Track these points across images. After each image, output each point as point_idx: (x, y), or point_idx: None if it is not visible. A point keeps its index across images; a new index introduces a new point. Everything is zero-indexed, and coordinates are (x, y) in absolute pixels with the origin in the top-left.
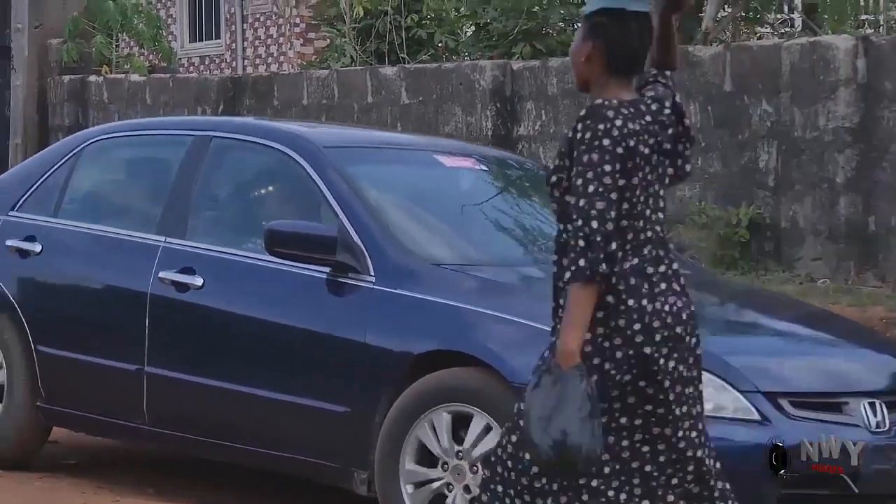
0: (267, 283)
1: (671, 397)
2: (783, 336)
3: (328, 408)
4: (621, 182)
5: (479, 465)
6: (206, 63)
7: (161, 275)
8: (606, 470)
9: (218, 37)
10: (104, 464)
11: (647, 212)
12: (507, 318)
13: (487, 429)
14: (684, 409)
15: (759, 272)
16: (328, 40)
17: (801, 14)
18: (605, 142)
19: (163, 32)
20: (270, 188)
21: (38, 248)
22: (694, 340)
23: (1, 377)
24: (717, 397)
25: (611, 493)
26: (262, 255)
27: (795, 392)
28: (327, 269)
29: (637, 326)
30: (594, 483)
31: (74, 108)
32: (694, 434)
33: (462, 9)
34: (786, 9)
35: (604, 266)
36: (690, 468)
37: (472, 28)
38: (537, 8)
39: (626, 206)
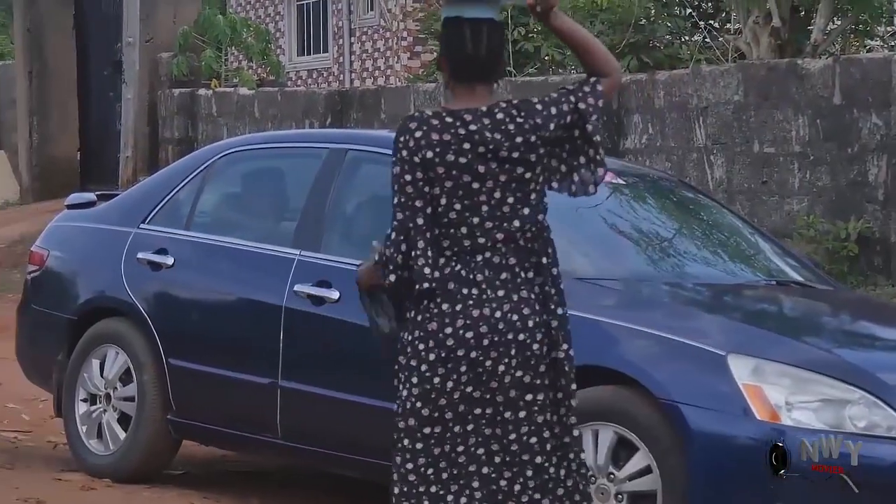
0: None
1: (499, 399)
2: None
3: None
4: (427, 189)
5: (626, 485)
6: (314, 76)
7: (296, 288)
8: (444, 476)
9: (325, 50)
10: (212, 474)
11: (475, 219)
12: (650, 333)
13: (633, 447)
14: (521, 414)
15: (869, 287)
16: (435, 53)
17: None
18: (404, 153)
19: (271, 46)
20: None
21: (169, 260)
22: (544, 348)
23: (131, 390)
24: (870, 415)
25: (450, 498)
26: None
27: None
28: None
29: (448, 330)
30: (433, 489)
31: (184, 122)
32: (534, 440)
33: None
34: None
35: (391, 277)
36: (529, 474)
37: None
38: (644, 21)
39: (437, 214)
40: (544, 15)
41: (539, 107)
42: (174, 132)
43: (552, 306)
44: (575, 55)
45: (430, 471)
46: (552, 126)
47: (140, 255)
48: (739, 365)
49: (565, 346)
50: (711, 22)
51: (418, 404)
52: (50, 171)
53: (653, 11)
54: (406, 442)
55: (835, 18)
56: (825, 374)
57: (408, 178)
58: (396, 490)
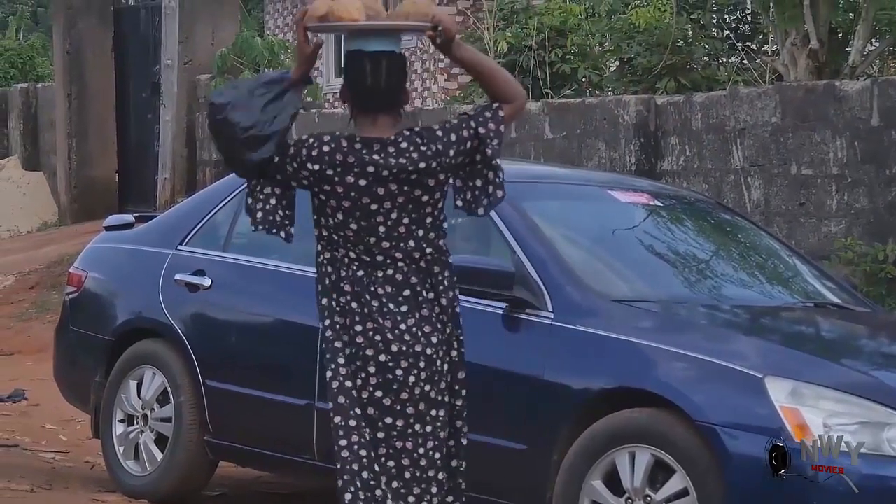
0: None
1: (409, 411)
2: None
3: (505, 445)
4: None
5: None
6: None
7: None
8: (359, 482)
9: None
10: (248, 495)
11: (372, 239)
12: (687, 355)
13: (670, 469)
14: (428, 428)
15: None
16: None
17: None
18: (303, 152)
19: None
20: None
21: (207, 282)
22: (445, 367)
23: (168, 411)
24: None
25: (378, 493)
26: None
27: None
28: (503, 305)
29: (358, 328)
30: (365, 475)
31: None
32: (437, 456)
33: (606, 44)
34: None
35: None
36: (434, 491)
37: (616, 63)
38: (682, 43)
39: (325, 233)
40: (445, 46)
41: (440, 133)
42: (212, 154)
43: (451, 327)
44: (479, 83)
45: (362, 451)
46: (452, 152)
47: (178, 277)
48: (777, 387)
49: (463, 374)
50: (749, 44)
51: (347, 384)
52: (88, 193)
53: (690, 33)
54: (338, 419)
55: (873, 40)
56: (863, 397)
57: (289, 169)
58: (338, 466)
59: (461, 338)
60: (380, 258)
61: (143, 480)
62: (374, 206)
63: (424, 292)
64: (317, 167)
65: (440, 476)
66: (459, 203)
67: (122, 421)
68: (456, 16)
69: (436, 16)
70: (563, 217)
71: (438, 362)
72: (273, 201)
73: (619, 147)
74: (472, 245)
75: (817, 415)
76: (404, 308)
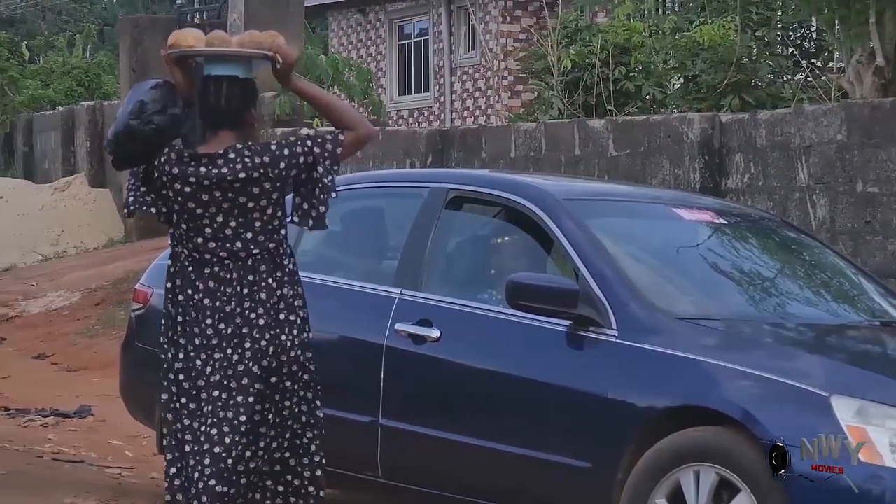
0: (505, 335)
1: (233, 385)
2: None
3: (568, 463)
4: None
5: None
6: (415, 116)
7: (397, 327)
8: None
9: (426, 90)
10: None
11: (199, 239)
12: (753, 374)
13: (735, 488)
14: (250, 399)
15: None
16: (536, 93)
17: None
18: (162, 159)
19: (373, 86)
20: (507, 240)
21: None
22: (271, 348)
23: None
24: None
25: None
26: (499, 308)
27: None
28: (567, 323)
29: (192, 311)
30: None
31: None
32: (297, 442)
33: (670, 61)
34: None
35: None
36: (290, 478)
37: (681, 80)
38: (746, 60)
39: (171, 230)
40: (284, 76)
41: (273, 148)
42: None
43: (284, 325)
44: (321, 114)
45: (178, 434)
46: (283, 165)
47: None
48: (843, 406)
49: (302, 353)
50: (814, 61)
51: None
52: None
53: (755, 50)
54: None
55: None
56: None
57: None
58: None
59: (298, 322)
60: (206, 256)
61: None
62: (199, 211)
63: (251, 288)
64: (159, 174)
65: (262, 444)
66: (296, 219)
67: None
68: (520, 33)
69: (273, 46)
70: (627, 234)
71: (263, 342)
72: (143, 188)
73: (684, 164)
74: (533, 262)
75: (884, 434)
76: (232, 301)
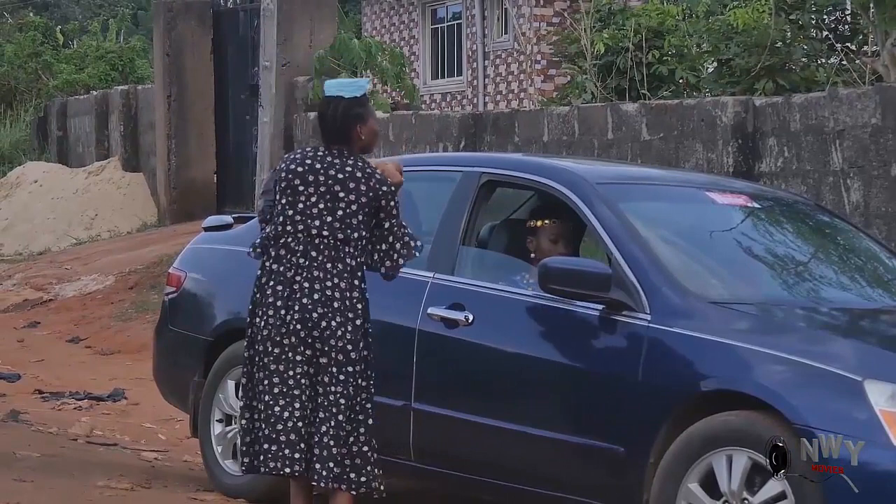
0: (537, 319)
1: (323, 361)
2: None
3: (600, 446)
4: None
5: None
6: (448, 100)
7: (430, 311)
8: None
9: (460, 74)
10: None
11: (299, 227)
12: (785, 358)
13: (768, 472)
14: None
15: None
16: (569, 77)
17: None
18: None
19: (406, 70)
20: (539, 224)
21: None
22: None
23: None
24: None
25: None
26: (531, 292)
27: None
28: (600, 307)
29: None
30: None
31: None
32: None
33: (704, 45)
34: None
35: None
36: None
37: (714, 64)
38: (780, 43)
39: (280, 219)
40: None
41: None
42: None
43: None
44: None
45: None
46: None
47: None
48: (876, 390)
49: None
50: (848, 44)
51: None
52: (187, 194)
53: (789, 34)
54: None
55: None
56: None
57: (272, 185)
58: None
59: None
60: (294, 246)
61: (242, 479)
62: (306, 200)
63: (321, 275)
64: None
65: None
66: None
67: (220, 420)
68: (553, 17)
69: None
70: (660, 218)
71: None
72: None
73: (717, 148)
74: (568, 246)
75: None
76: (295, 286)
